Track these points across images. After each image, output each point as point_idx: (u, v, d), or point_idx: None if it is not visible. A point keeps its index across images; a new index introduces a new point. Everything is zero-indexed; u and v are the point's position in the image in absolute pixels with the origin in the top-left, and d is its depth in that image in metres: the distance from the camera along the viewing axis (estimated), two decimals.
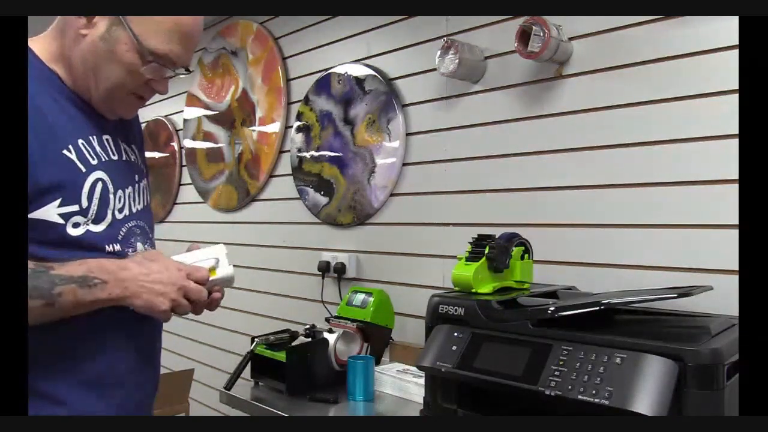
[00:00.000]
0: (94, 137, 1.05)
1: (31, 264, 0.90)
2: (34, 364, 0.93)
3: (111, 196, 1.05)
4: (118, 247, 1.05)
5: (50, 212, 0.95)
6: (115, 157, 1.08)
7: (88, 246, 0.99)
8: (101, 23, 1.00)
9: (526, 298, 1.31)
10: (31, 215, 0.93)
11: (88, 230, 1.00)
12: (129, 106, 1.09)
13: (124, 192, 1.08)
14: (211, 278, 1.07)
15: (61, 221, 0.97)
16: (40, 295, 0.90)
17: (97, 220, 1.01)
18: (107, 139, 1.08)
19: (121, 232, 1.06)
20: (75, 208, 0.98)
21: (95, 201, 1.01)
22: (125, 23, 0.99)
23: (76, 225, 0.98)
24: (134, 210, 1.10)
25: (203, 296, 1.04)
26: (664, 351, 0.95)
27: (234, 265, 1.11)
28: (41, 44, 1.04)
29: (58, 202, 0.96)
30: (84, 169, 1.01)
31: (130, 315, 1.06)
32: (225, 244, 1.12)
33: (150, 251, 1.09)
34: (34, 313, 0.90)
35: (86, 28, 1.00)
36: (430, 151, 1.95)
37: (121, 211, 1.07)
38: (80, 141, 1.02)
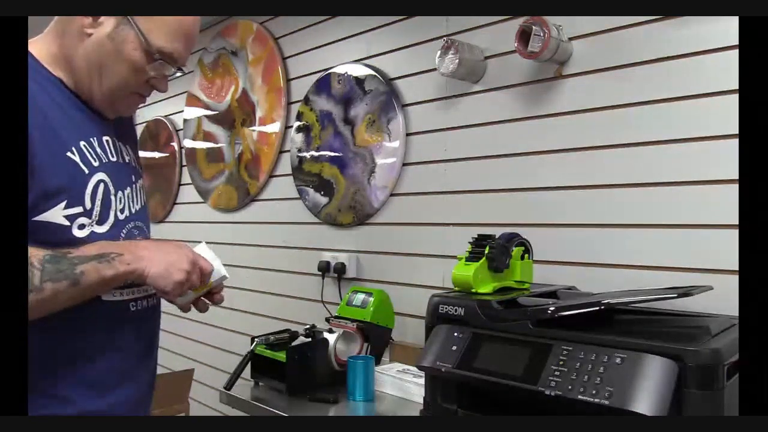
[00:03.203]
0: (95, 138, 1.05)
1: (48, 251, 0.91)
2: (38, 365, 0.93)
3: (112, 198, 1.05)
4: None
5: (56, 214, 0.96)
6: (114, 158, 1.09)
7: None
8: (108, 22, 1.01)
9: (526, 298, 1.31)
10: (38, 218, 0.94)
11: (92, 231, 1.00)
12: (130, 104, 1.11)
13: (123, 193, 1.08)
14: None
15: (67, 223, 0.97)
16: (65, 276, 0.91)
17: (100, 222, 1.02)
18: (107, 141, 1.08)
19: (122, 233, 1.07)
20: (79, 209, 0.99)
21: (98, 202, 1.02)
22: (133, 22, 1.00)
23: (81, 227, 0.99)
24: (134, 210, 1.11)
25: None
26: (664, 351, 0.95)
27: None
28: (40, 47, 1.04)
29: (63, 204, 0.96)
30: (87, 171, 1.01)
31: (130, 314, 1.07)
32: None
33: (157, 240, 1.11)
34: (62, 295, 0.91)
35: (92, 27, 1.01)
36: (430, 151, 1.95)
37: (122, 211, 1.07)
38: (82, 143, 1.02)
